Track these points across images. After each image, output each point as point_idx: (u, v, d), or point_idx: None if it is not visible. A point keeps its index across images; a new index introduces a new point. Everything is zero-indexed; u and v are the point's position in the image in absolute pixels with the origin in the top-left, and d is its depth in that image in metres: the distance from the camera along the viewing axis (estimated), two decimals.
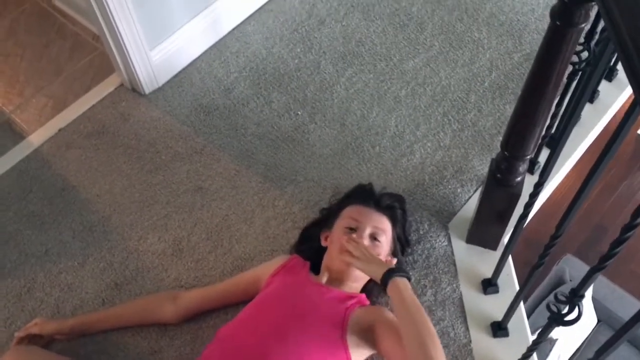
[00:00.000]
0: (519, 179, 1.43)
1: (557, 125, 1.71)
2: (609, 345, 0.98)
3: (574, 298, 1.04)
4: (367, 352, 1.38)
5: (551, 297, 1.69)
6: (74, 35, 2.29)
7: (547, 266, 2.75)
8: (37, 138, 2.00)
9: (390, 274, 1.30)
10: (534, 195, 1.23)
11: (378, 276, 1.33)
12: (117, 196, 1.87)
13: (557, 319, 1.12)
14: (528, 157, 1.35)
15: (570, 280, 2.75)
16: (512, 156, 1.35)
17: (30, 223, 1.83)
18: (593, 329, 2.73)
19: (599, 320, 2.75)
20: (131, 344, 1.58)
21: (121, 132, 2.01)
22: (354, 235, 1.45)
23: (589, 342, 2.68)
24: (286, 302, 1.38)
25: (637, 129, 3.76)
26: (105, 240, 1.78)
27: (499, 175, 1.44)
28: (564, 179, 1.98)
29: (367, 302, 1.47)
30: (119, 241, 1.78)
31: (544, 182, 1.18)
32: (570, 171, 1.96)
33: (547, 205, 2.12)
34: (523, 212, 1.29)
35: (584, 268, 2.82)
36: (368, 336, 1.35)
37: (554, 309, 1.12)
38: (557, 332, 2.60)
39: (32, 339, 1.56)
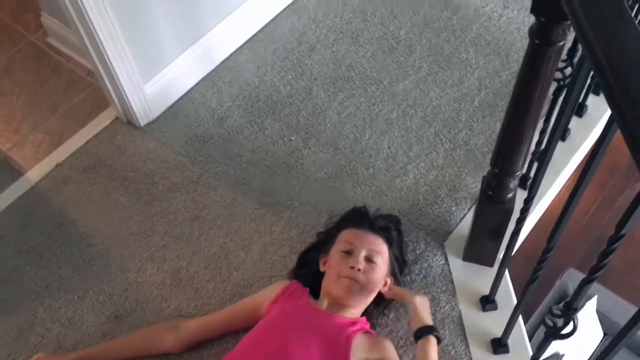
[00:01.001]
0: (510, 195, 1.45)
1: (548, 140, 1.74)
2: (607, 353, 0.98)
3: (569, 311, 1.05)
4: None
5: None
6: (68, 72, 2.33)
7: (549, 281, 2.75)
8: (34, 174, 2.02)
9: (429, 330, 1.39)
10: (524, 211, 1.24)
11: (417, 325, 1.41)
12: (115, 229, 1.89)
13: (554, 333, 1.12)
14: (518, 173, 1.37)
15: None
16: (502, 173, 1.37)
17: (29, 259, 1.84)
18: (600, 343, 2.71)
19: (605, 334, 2.74)
20: None
21: (118, 165, 2.03)
22: (349, 261, 1.46)
23: (595, 356, 2.67)
24: (287, 329, 1.39)
25: None
26: (104, 273, 1.79)
27: (490, 193, 1.46)
28: (562, 194, 1.99)
29: (368, 326, 1.48)
30: (118, 273, 1.78)
31: (533, 197, 1.19)
32: (566, 186, 1.98)
33: (545, 221, 2.13)
34: (515, 228, 1.31)
35: None
36: None
37: (550, 323, 1.12)
38: (563, 348, 2.59)
39: None
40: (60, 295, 1.76)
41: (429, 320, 1.43)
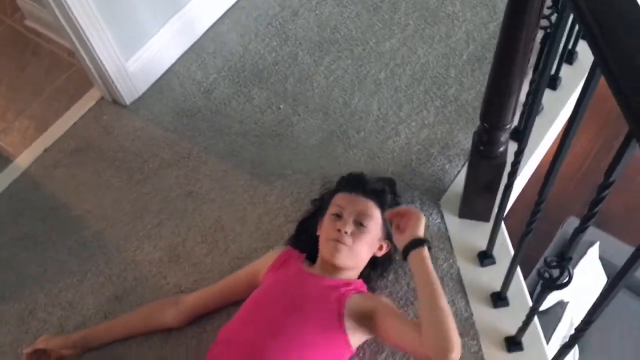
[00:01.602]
0: (501, 149, 1.43)
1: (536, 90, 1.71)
2: (606, 295, 0.97)
3: (563, 262, 1.04)
4: (364, 337, 1.40)
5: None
6: (49, 54, 2.29)
7: (550, 231, 2.73)
8: (23, 160, 2.00)
9: (421, 241, 1.31)
10: (515, 164, 1.23)
11: (410, 238, 1.33)
12: (108, 210, 1.88)
13: (549, 285, 1.12)
14: (508, 126, 1.34)
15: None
16: (491, 127, 1.35)
17: (25, 245, 1.84)
18: (603, 289, 2.72)
19: (608, 279, 2.75)
20: (137, 355, 1.59)
21: (106, 146, 2.01)
22: (338, 224, 1.46)
23: (608, 309, 2.67)
24: (280, 296, 1.40)
25: None
26: (101, 255, 1.78)
27: (481, 148, 1.44)
28: (556, 144, 1.97)
29: (364, 288, 1.48)
30: (115, 254, 1.78)
31: (523, 149, 1.17)
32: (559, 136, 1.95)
33: (541, 173, 2.12)
34: (508, 181, 1.30)
35: (589, 229, 2.81)
36: (366, 322, 1.35)
37: (546, 274, 1.12)
38: (567, 295, 2.60)
39: (39, 357, 1.57)
40: (59, 279, 1.76)
41: (420, 233, 1.35)
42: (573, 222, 2.83)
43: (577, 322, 2.50)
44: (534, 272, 2.76)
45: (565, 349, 1.12)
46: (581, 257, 2.63)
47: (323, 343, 1.32)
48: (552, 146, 1.97)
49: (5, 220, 1.90)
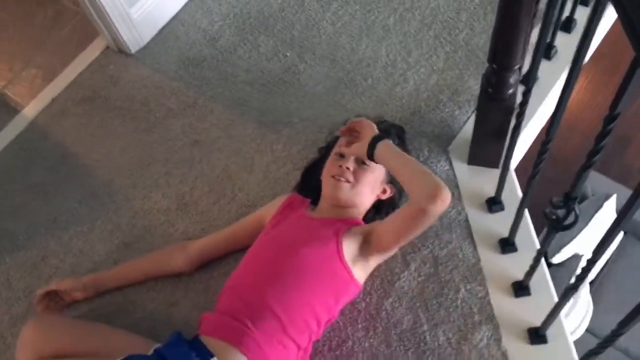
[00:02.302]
0: (510, 91, 1.39)
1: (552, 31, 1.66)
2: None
3: (569, 201, 1.02)
4: (369, 266, 1.39)
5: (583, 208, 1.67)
6: (54, 3, 2.27)
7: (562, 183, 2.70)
8: (31, 110, 2.01)
9: (373, 142, 1.34)
10: (523, 104, 1.20)
11: (364, 151, 1.36)
12: (116, 159, 1.88)
13: (556, 225, 1.11)
14: (517, 67, 1.31)
15: (593, 195, 2.70)
16: (500, 68, 1.31)
17: (35, 194, 1.86)
18: (619, 242, 2.70)
19: (624, 232, 2.73)
20: (147, 299, 1.62)
21: (112, 95, 2.01)
22: (341, 160, 1.46)
23: (617, 255, 2.66)
24: (279, 241, 1.41)
25: None
26: (110, 203, 1.80)
27: (490, 90, 1.40)
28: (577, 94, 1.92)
29: (361, 222, 1.48)
30: (124, 202, 1.79)
31: (531, 88, 1.14)
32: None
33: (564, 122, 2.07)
34: (516, 122, 1.27)
35: (605, 181, 2.77)
36: (366, 246, 1.36)
37: (552, 215, 1.11)
38: (583, 248, 2.58)
39: (52, 299, 1.60)
40: (69, 227, 1.78)
41: (365, 143, 1.37)
42: (591, 174, 2.77)
43: (591, 277, 2.48)
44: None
45: (569, 290, 1.11)
46: (597, 210, 2.60)
47: (324, 279, 1.33)
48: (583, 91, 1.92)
49: (14, 169, 1.92)
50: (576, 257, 2.60)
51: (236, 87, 1.95)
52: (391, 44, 1.95)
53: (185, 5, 2.14)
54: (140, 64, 2.04)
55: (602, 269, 2.64)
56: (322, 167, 1.62)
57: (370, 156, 1.35)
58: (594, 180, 2.73)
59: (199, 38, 2.07)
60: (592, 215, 2.58)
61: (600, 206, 2.65)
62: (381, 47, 1.95)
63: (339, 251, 1.34)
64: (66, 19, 2.22)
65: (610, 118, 0.77)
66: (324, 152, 1.68)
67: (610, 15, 1.85)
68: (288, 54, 1.99)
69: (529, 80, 1.13)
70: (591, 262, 0.98)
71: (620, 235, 2.69)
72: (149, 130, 1.91)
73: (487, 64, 1.84)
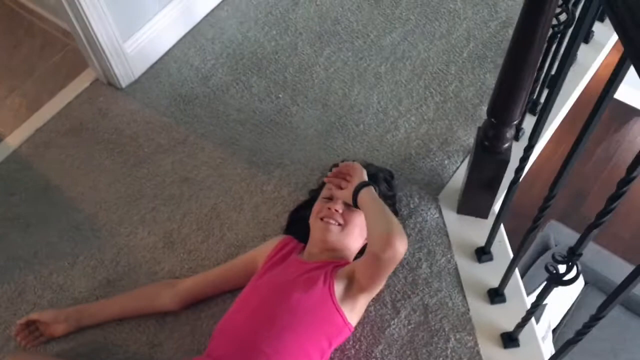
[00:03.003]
0: (506, 145, 1.43)
1: (539, 89, 1.73)
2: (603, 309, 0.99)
3: (572, 257, 1.05)
4: (359, 306, 1.38)
5: (548, 258, 1.70)
6: (43, 33, 2.24)
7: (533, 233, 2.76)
8: (14, 140, 1.95)
9: (357, 188, 1.38)
10: (524, 160, 1.23)
11: (350, 198, 1.40)
12: (102, 193, 1.84)
13: (556, 279, 1.13)
14: (515, 122, 1.35)
15: (556, 245, 2.78)
16: (499, 122, 1.35)
17: (15, 226, 1.80)
18: (580, 292, 2.77)
19: (586, 283, 2.79)
20: (130, 339, 1.57)
21: (100, 128, 1.98)
22: (328, 204, 1.46)
23: (577, 305, 2.72)
24: (273, 282, 1.40)
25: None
26: (94, 238, 1.75)
27: (486, 143, 1.44)
28: (543, 147, 1.99)
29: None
30: (108, 238, 1.75)
31: (534, 145, 1.18)
32: (550, 137, 1.97)
33: (532, 173, 2.13)
34: (514, 177, 1.30)
35: (569, 232, 2.85)
36: (351, 286, 1.35)
37: (552, 269, 1.13)
38: (546, 298, 2.63)
39: (31, 332, 1.55)
40: (49, 262, 1.72)
41: (351, 189, 1.41)
42: (553, 225, 2.87)
43: (554, 325, 2.51)
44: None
45: (569, 344, 1.12)
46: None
47: (318, 322, 1.32)
48: (547, 143, 1.98)
49: None
50: (540, 307, 2.64)
51: (228, 126, 1.95)
52: (382, 91, 1.99)
53: (179, 42, 2.14)
54: (130, 98, 2.03)
55: (564, 317, 2.69)
56: (309, 210, 1.62)
57: (355, 202, 1.38)
58: (556, 231, 2.81)
59: (191, 75, 2.07)
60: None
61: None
62: (373, 94, 1.98)
63: (331, 293, 1.34)
64: (54, 49, 2.20)
65: (627, 181, 0.80)
66: (314, 195, 1.69)
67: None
68: (280, 95, 2.00)
69: (533, 137, 1.16)
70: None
71: (581, 285, 2.76)
72: (138, 165, 1.88)
73: (475, 116, 1.91)
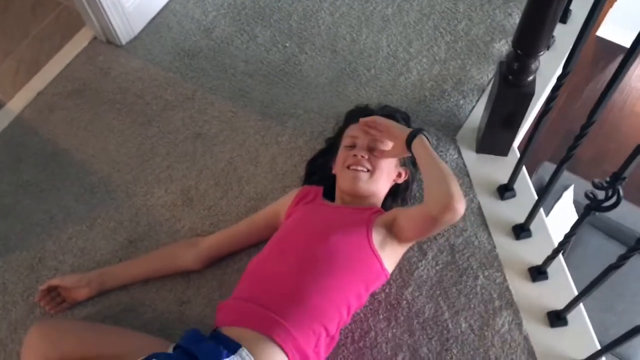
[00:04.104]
0: (531, 77, 1.41)
1: None
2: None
3: (616, 182, 1.04)
4: (396, 253, 1.38)
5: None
6: None
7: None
8: (16, 104, 1.89)
9: (415, 132, 1.34)
10: (557, 89, 1.21)
11: (403, 139, 1.35)
12: (113, 153, 1.80)
13: (595, 206, 1.12)
14: (541, 53, 1.32)
15: None
16: (525, 54, 1.32)
17: (27, 192, 1.75)
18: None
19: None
20: (157, 298, 1.56)
21: (104, 88, 1.92)
22: (353, 152, 1.44)
23: (573, 243, 2.74)
24: (309, 228, 1.37)
25: (596, 31, 3.79)
26: (110, 200, 1.72)
27: (510, 77, 1.41)
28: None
29: (383, 210, 1.47)
30: (125, 199, 1.72)
31: (569, 72, 1.16)
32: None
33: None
34: (545, 108, 1.28)
35: (563, 173, 2.85)
36: (391, 234, 1.35)
37: (591, 195, 1.12)
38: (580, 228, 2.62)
39: (53, 298, 1.54)
40: (67, 226, 1.69)
41: (404, 131, 1.37)
42: (547, 167, 2.87)
43: None
44: None
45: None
46: (557, 200, 2.67)
47: (357, 267, 1.31)
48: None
49: (3, 167, 1.80)
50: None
51: (236, 79, 1.90)
52: (391, 34, 1.94)
53: None
54: (132, 55, 1.96)
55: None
56: (328, 158, 1.60)
57: (409, 147, 1.34)
58: (550, 172, 2.80)
59: (192, 28, 2.00)
60: (553, 206, 2.65)
61: (559, 197, 2.73)
62: (382, 37, 1.94)
63: (369, 240, 1.32)
64: (47, 9, 2.11)
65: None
66: (331, 143, 1.66)
67: None
68: (287, 44, 1.95)
69: (567, 64, 1.14)
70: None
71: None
72: (147, 123, 1.84)
73: (487, 54, 1.87)
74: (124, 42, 1.97)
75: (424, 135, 1.34)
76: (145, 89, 1.90)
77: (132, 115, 1.85)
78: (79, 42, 1.99)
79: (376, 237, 1.33)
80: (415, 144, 1.32)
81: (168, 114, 1.85)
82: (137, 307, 1.56)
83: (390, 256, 1.37)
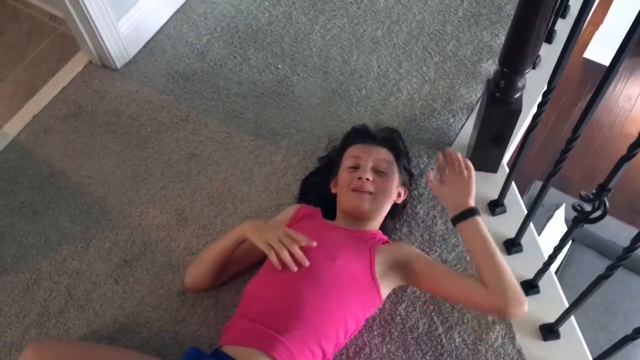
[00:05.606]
0: (517, 95, 1.44)
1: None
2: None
3: (602, 193, 1.07)
4: (393, 286, 1.41)
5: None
6: (29, 19, 2.18)
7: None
8: (12, 128, 1.91)
9: (473, 211, 1.35)
10: (542, 105, 1.24)
11: (461, 208, 1.36)
12: (108, 175, 1.82)
13: (583, 218, 1.15)
14: (527, 70, 1.36)
15: (542, 206, 2.80)
16: (511, 72, 1.36)
17: (22, 214, 1.76)
18: (568, 250, 2.80)
19: (573, 240, 2.83)
20: (153, 318, 1.56)
21: (99, 110, 1.94)
22: (357, 174, 1.46)
23: (566, 262, 2.77)
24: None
25: (583, 54, 3.87)
26: (105, 221, 1.73)
27: (497, 95, 1.45)
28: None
29: (386, 238, 1.49)
30: (120, 219, 1.73)
31: (554, 88, 1.19)
32: None
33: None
34: (531, 124, 1.31)
35: (552, 191, 2.88)
36: (397, 271, 1.37)
37: (578, 208, 1.15)
38: (569, 240, 2.64)
39: None
40: (62, 247, 1.70)
41: (465, 202, 1.37)
42: (538, 185, 2.89)
43: None
44: None
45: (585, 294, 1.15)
46: (549, 219, 2.70)
47: (357, 291, 1.32)
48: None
49: None
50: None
51: (229, 100, 1.93)
52: (381, 55, 1.98)
53: (171, 19, 2.11)
54: (126, 78, 1.99)
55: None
56: (322, 178, 1.62)
57: (455, 223, 1.37)
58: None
59: (186, 52, 2.04)
60: (545, 225, 2.68)
61: (551, 216, 2.76)
62: (372, 58, 1.98)
63: (371, 268, 1.35)
64: (42, 35, 2.14)
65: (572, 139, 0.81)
66: (325, 163, 1.69)
67: None
68: (280, 66, 1.99)
69: (551, 80, 1.17)
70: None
71: (569, 243, 2.80)
72: (142, 145, 1.86)
73: (475, 74, 1.92)
74: (119, 66, 2.00)
75: (477, 216, 1.35)
76: (140, 111, 1.92)
77: (127, 137, 1.88)
78: (75, 66, 2.02)
79: (378, 267, 1.36)
80: (466, 225, 1.35)
81: (163, 136, 1.87)
82: (133, 327, 1.56)
83: (388, 285, 1.40)
